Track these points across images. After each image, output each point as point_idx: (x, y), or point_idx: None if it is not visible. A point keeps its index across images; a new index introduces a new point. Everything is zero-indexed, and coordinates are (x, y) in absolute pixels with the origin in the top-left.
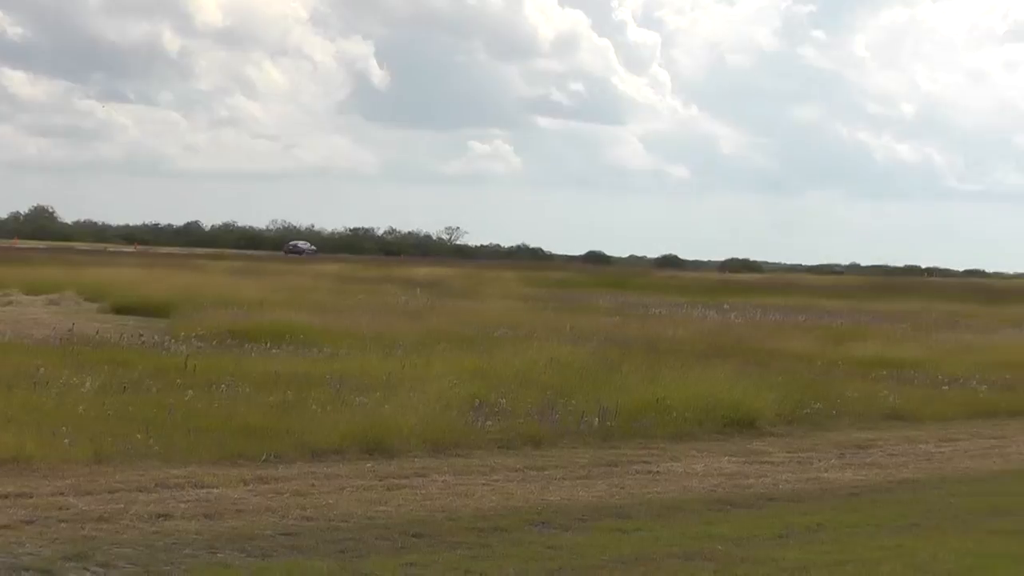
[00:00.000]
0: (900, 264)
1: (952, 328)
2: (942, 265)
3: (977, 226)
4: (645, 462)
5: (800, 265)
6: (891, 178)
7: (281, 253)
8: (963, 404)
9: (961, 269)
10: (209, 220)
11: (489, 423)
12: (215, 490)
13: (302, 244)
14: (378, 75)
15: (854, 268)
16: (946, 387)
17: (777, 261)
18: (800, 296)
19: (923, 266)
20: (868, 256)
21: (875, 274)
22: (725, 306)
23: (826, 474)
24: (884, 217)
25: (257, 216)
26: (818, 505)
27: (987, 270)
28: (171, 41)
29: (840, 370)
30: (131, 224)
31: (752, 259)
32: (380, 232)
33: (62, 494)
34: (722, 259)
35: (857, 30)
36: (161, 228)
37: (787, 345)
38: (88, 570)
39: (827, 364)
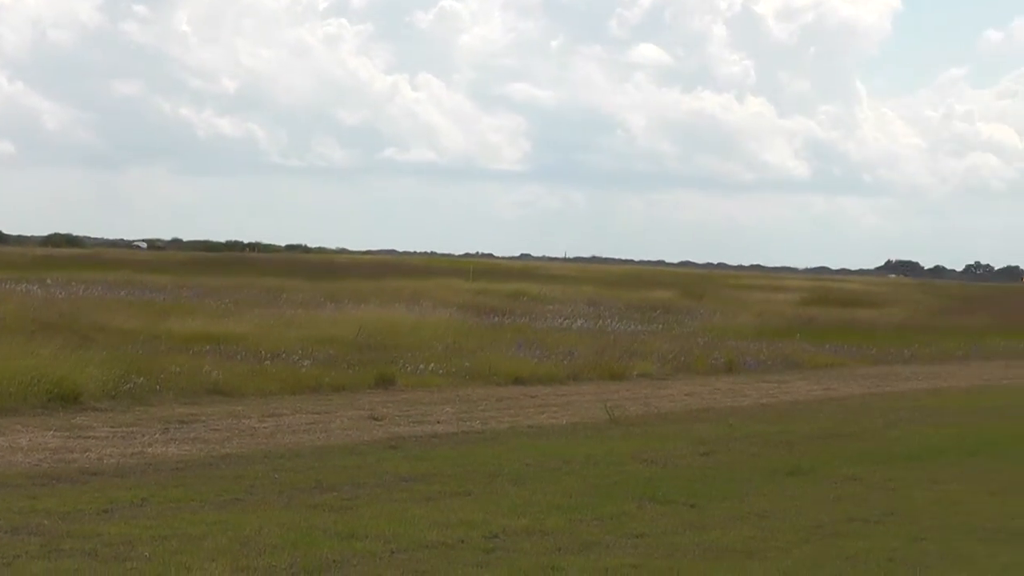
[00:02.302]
0: (223, 239)
1: (275, 303)
2: (265, 240)
3: (300, 201)
4: None
5: (122, 240)
6: (213, 153)
7: None
8: (286, 379)
9: (283, 244)
10: None
11: None
12: None
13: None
14: None
15: (176, 243)
16: (269, 362)
17: (101, 236)
18: (122, 271)
19: (246, 241)
20: (191, 231)
21: (197, 249)
22: (48, 281)
23: (150, 449)
24: (206, 192)
25: None
26: (142, 480)
27: (310, 245)
28: None
29: (163, 345)
30: None
31: (76, 234)
32: None
33: None
34: (45, 234)
35: (179, 6)
36: None
37: (111, 320)
38: None
39: (150, 339)
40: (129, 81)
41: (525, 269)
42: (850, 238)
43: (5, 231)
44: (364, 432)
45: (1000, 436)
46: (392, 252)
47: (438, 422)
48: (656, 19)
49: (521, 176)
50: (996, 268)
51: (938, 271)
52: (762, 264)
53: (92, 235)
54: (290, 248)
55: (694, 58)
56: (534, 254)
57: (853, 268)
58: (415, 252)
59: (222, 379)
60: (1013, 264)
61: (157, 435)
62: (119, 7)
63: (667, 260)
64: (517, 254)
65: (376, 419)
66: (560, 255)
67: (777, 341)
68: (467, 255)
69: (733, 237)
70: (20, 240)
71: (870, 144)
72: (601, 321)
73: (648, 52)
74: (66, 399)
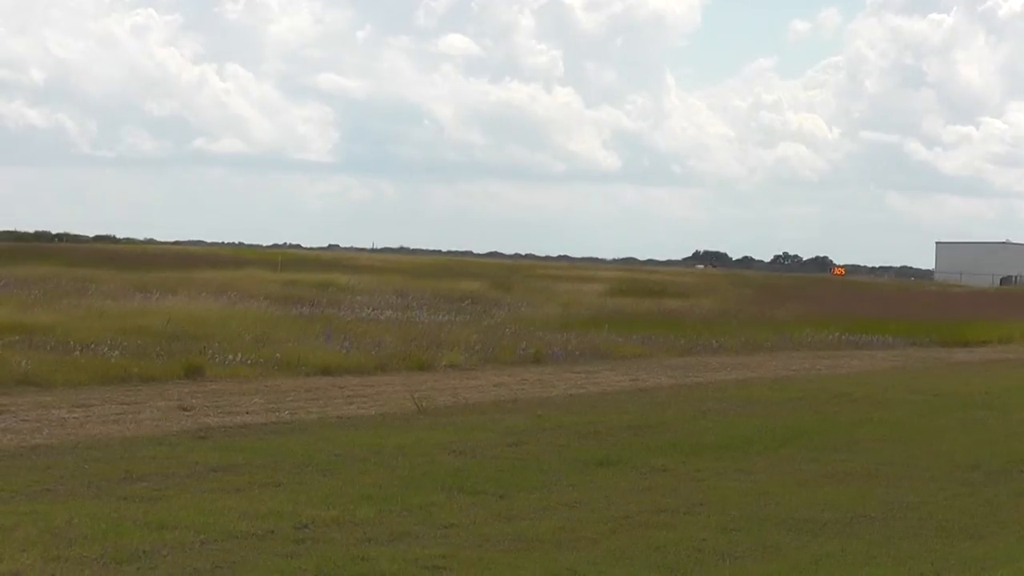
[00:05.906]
0: (31, 230)
1: (83, 294)
2: (74, 230)
3: (109, 192)
4: None
5: None
6: (23, 144)
7: None
8: (95, 370)
9: (92, 235)
10: None
11: None
12: None
13: None
14: None
15: None
16: (78, 353)
17: None
18: None
19: (55, 232)
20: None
21: (6, 239)
22: None
23: None
24: (15, 183)
25: None
26: None
27: (118, 235)
28: None
29: None
30: None
31: None
32: None
33: None
34: None
35: None
36: None
37: None
38: None
39: None
40: None
41: (333, 260)
42: (659, 229)
43: None
44: (173, 422)
45: (808, 427)
46: (200, 243)
47: (247, 412)
48: (463, 9)
49: (330, 167)
50: (804, 259)
51: (746, 262)
52: (570, 255)
53: None
54: (98, 238)
55: (502, 48)
56: (342, 245)
57: (661, 259)
58: (224, 243)
59: (31, 369)
60: (821, 255)
61: None
62: None
63: (475, 251)
64: (325, 245)
65: (185, 409)
66: (368, 246)
67: (585, 332)
68: (275, 246)
69: (541, 228)
70: None
71: (679, 134)
72: (409, 311)
73: (456, 42)
74: None
